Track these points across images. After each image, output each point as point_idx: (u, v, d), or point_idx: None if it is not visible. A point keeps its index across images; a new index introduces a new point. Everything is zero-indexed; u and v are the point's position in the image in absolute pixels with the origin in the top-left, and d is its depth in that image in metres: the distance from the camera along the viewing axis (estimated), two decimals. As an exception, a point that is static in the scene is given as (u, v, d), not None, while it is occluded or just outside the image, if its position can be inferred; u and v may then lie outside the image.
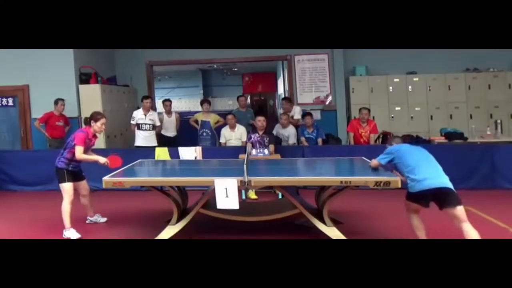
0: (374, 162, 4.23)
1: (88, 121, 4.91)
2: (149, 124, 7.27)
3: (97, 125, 4.81)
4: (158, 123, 7.44)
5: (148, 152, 6.68)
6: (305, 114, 7.20)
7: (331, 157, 5.68)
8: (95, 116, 4.84)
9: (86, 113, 7.73)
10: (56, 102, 7.21)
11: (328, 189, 4.49)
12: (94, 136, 4.92)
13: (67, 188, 4.66)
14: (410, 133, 7.77)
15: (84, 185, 5.00)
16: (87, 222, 5.14)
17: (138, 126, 7.27)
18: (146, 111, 7.30)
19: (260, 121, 6.40)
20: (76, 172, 4.86)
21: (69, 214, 4.63)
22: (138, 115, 7.30)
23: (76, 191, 4.84)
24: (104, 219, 5.20)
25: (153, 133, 7.32)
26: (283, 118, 7.08)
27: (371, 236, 4.34)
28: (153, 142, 7.23)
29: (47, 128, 7.20)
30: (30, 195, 6.71)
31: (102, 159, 4.70)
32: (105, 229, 4.92)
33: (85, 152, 4.76)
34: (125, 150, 7.34)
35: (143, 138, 7.23)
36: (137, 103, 9.21)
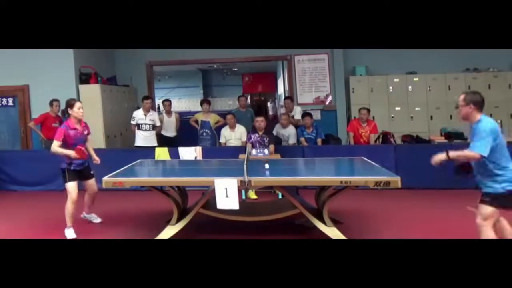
0: (472, 154, 3.22)
1: (66, 112, 4.80)
2: (149, 124, 7.27)
3: (75, 111, 4.69)
4: (158, 123, 7.44)
5: (148, 152, 6.68)
6: (304, 114, 7.20)
7: (331, 157, 5.67)
8: (69, 103, 4.74)
9: (86, 113, 7.70)
10: (51, 103, 7.16)
11: (328, 189, 4.49)
12: (82, 125, 4.80)
13: (69, 187, 4.67)
14: (410, 133, 7.77)
15: (91, 183, 5.00)
16: (81, 216, 5.15)
17: (138, 126, 7.27)
18: (146, 111, 7.30)
19: (258, 121, 6.40)
20: (81, 171, 4.83)
21: (71, 214, 4.66)
22: (139, 115, 7.30)
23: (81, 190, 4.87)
24: (98, 220, 5.20)
25: (153, 133, 7.32)
26: (283, 118, 7.08)
27: (371, 236, 4.33)
28: (153, 142, 7.23)
29: (43, 130, 7.17)
30: (30, 195, 6.71)
31: (71, 153, 4.58)
32: (105, 229, 4.92)
33: (79, 144, 4.67)
34: (125, 150, 7.35)
35: (143, 138, 7.23)
36: (137, 103, 9.20)
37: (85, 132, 4.87)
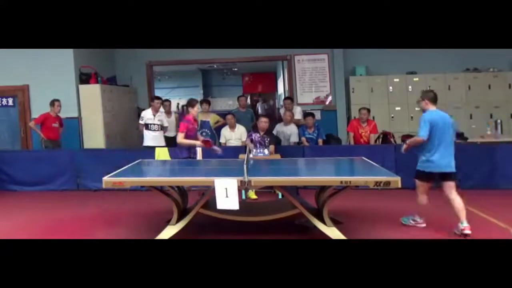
0: (416, 139, 4.42)
1: (186, 108, 5.59)
2: (158, 125, 7.22)
3: (194, 110, 5.61)
4: (166, 124, 7.37)
5: (148, 152, 6.67)
6: (307, 114, 7.20)
7: (331, 157, 5.67)
8: (191, 103, 5.68)
9: (86, 113, 7.78)
10: (52, 103, 7.14)
11: (328, 189, 4.49)
12: (195, 120, 5.71)
13: None
14: (410, 133, 7.75)
15: None
16: None
17: (147, 126, 7.20)
18: (155, 111, 7.24)
19: (263, 122, 6.40)
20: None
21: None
22: (147, 115, 7.23)
23: None
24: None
25: (161, 133, 7.27)
26: (287, 115, 7.09)
27: (371, 236, 4.33)
28: (162, 142, 7.17)
29: (43, 130, 7.15)
30: (30, 195, 6.70)
31: (198, 143, 5.48)
32: (105, 229, 4.92)
33: (192, 136, 5.53)
34: (125, 150, 7.34)
35: (151, 138, 7.15)
36: (137, 103, 9.22)
37: (197, 128, 5.75)
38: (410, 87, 8.78)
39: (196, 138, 5.66)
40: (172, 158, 5.90)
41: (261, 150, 6.02)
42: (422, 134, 4.31)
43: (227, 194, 3.86)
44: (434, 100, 4.49)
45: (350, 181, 3.94)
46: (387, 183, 3.77)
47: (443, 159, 4.33)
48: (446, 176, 4.37)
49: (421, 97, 4.58)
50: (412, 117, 8.74)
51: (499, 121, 7.65)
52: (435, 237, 4.20)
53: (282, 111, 8.13)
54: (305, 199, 4.68)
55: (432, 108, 4.47)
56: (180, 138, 5.46)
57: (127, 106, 8.79)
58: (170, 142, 7.39)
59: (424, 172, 4.42)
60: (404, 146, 4.63)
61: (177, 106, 5.22)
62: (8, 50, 6.93)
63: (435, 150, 4.33)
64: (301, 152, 6.60)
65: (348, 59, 9.05)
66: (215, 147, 5.71)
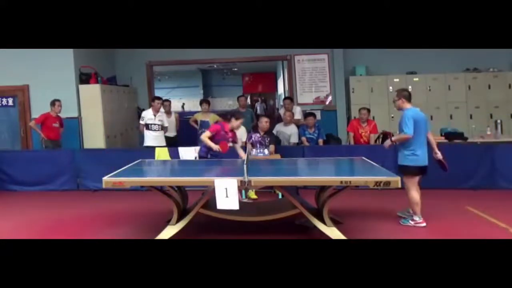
0: (403, 137, 4.56)
1: (229, 117, 5.56)
2: (158, 125, 7.20)
3: (235, 123, 5.50)
4: (166, 124, 7.36)
5: (148, 152, 6.67)
6: (308, 114, 7.19)
7: (331, 157, 5.67)
8: (236, 115, 5.62)
9: (86, 113, 7.78)
10: (53, 103, 7.15)
11: (328, 189, 4.49)
12: (232, 131, 5.53)
13: None
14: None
15: None
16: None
17: (148, 126, 7.19)
18: (156, 111, 7.23)
19: (263, 122, 6.39)
20: None
21: None
22: (148, 115, 7.22)
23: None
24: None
25: (162, 133, 7.26)
26: (287, 115, 7.09)
27: (371, 236, 4.33)
28: (163, 142, 7.16)
29: (43, 129, 7.15)
30: (30, 195, 6.70)
31: (215, 146, 5.28)
32: (105, 229, 4.92)
33: (217, 141, 5.33)
34: (125, 150, 7.34)
35: (152, 138, 7.13)
36: (137, 103, 9.21)
37: (230, 139, 5.52)
38: (410, 87, 8.76)
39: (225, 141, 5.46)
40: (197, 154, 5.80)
41: (261, 150, 6.02)
42: (409, 132, 4.51)
43: (227, 194, 3.86)
44: (409, 98, 4.73)
45: (350, 181, 3.94)
46: (387, 183, 3.77)
47: (424, 153, 4.61)
48: (424, 170, 4.66)
49: (397, 96, 4.80)
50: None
51: (499, 121, 7.65)
52: (435, 237, 4.20)
53: (282, 111, 8.11)
54: (305, 199, 4.68)
55: (408, 106, 4.69)
56: (204, 136, 5.40)
57: (127, 106, 8.79)
58: (170, 142, 7.40)
59: (414, 166, 4.59)
60: (389, 142, 4.88)
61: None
62: (8, 50, 6.92)
63: (418, 145, 4.57)
64: (301, 152, 6.59)
65: (348, 59, 9.05)
66: (242, 153, 5.49)
